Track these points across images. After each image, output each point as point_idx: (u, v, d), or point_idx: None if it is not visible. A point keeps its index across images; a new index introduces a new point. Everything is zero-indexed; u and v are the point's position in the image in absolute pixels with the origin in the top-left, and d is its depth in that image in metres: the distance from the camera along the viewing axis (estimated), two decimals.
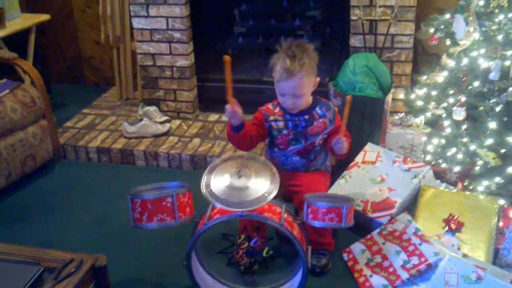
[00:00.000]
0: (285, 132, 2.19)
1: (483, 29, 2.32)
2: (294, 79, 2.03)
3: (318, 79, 2.13)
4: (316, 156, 2.24)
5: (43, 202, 2.76)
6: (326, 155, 2.31)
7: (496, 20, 2.29)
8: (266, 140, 2.30)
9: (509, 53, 2.26)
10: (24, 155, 2.85)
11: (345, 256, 2.23)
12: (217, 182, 1.87)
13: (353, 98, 2.60)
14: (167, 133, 3.24)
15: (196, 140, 3.15)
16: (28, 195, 2.83)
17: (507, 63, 2.27)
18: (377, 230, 2.23)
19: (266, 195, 1.82)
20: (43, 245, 2.05)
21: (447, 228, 2.17)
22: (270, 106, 2.23)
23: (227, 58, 1.85)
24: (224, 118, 3.42)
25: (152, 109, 3.31)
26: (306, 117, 2.17)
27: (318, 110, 2.19)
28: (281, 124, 2.19)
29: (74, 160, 3.18)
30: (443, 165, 2.51)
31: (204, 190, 1.84)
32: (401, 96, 3.01)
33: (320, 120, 2.18)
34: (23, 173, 2.87)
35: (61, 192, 2.85)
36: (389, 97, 2.76)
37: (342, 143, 2.07)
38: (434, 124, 2.74)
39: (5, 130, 2.74)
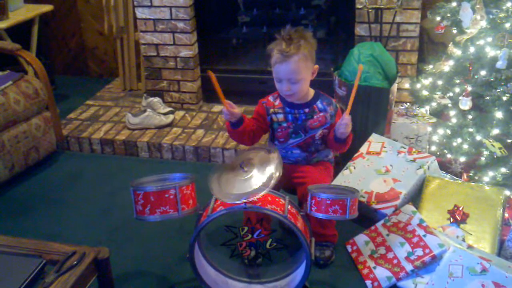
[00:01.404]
0: (284, 125, 2.16)
1: (491, 16, 2.29)
2: (290, 62, 2.00)
3: (317, 66, 2.10)
4: (317, 149, 2.21)
5: (47, 194, 2.76)
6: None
7: (504, 7, 2.26)
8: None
9: None
10: (27, 147, 2.85)
11: (348, 247, 2.22)
12: (224, 181, 1.86)
13: (357, 88, 2.60)
14: (170, 124, 3.23)
15: (200, 131, 3.14)
16: (31, 187, 2.83)
17: None
18: (381, 222, 2.21)
19: (269, 180, 1.81)
20: (46, 237, 2.06)
21: (452, 219, 2.15)
22: (270, 98, 2.20)
23: (211, 74, 1.99)
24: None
25: (156, 100, 3.29)
26: (307, 110, 2.14)
27: (319, 104, 2.15)
28: (280, 116, 2.16)
29: (77, 152, 3.18)
30: (449, 156, 2.49)
31: (212, 191, 1.84)
32: (407, 85, 2.98)
33: (321, 114, 2.14)
34: (27, 165, 2.87)
35: (65, 184, 2.85)
36: (395, 86, 2.73)
37: (346, 121, 2.00)
38: (439, 114, 2.72)
39: (8, 121, 2.74)
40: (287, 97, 2.12)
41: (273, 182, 1.81)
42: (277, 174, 1.83)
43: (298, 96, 2.11)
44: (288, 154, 2.22)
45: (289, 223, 1.81)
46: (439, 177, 2.32)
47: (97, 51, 4.15)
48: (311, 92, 2.17)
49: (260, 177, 1.84)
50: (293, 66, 2.01)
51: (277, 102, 2.17)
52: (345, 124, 2.02)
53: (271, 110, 2.17)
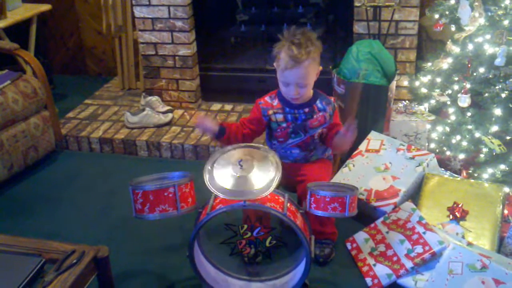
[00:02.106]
0: (284, 125, 2.15)
1: (489, 14, 2.29)
2: (300, 67, 1.99)
3: (321, 68, 2.10)
4: (316, 147, 2.21)
5: (46, 193, 2.75)
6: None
7: (502, 4, 2.26)
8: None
9: None
10: (26, 146, 2.84)
11: (348, 245, 2.22)
12: (220, 174, 1.85)
13: (357, 87, 2.61)
14: (169, 123, 3.22)
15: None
16: (30, 187, 2.82)
17: None
18: (381, 219, 2.21)
19: (269, 184, 1.80)
20: (45, 236, 2.05)
21: (451, 216, 2.15)
22: (267, 99, 2.17)
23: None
24: (227, 107, 3.42)
25: (154, 99, 3.29)
26: (306, 110, 2.13)
27: (318, 103, 2.14)
28: (280, 117, 2.15)
29: (76, 151, 3.17)
30: (448, 153, 2.49)
31: (207, 182, 1.82)
32: (405, 83, 2.98)
33: (320, 114, 2.14)
34: (26, 165, 2.87)
35: (64, 183, 2.85)
36: (393, 84, 2.73)
37: (351, 139, 2.00)
38: (438, 111, 2.72)
39: (7, 121, 2.73)
40: (293, 100, 2.11)
41: (274, 185, 1.81)
42: (278, 177, 1.82)
43: (303, 98, 2.11)
44: (287, 153, 2.21)
45: (289, 221, 1.81)
46: (438, 174, 2.32)
47: (95, 50, 4.15)
48: (311, 91, 2.16)
49: (260, 178, 1.83)
50: (304, 71, 2.00)
51: (276, 103, 2.16)
52: (349, 141, 2.02)
53: (270, 111, 2.15)
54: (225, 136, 2.10)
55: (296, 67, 1.99)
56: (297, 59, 1.98)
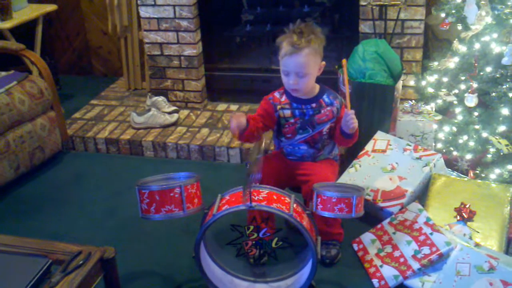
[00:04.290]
0: (292, 120, 2.15)
1: (496, 12, 2.27)
2: (300, 55, 2.00)
3: (323, 63, 2.09)
4: (324, 146, 2.20)
5: (52, 194, 2.76)
6: (334, 144, 2.27)
7: (509, 3, 2.25)
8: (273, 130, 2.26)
9: None
10: (32, 146, 2.85)
11: (355, 246, 2.21)
12: None
13: (362, 86, 2.60)
14: (175, 124, 3.22)
15: (205, 130, 3.13)
16: (37, 187, 2.83)
17: None
18: (388, 220, 2.20)
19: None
20: (51, 237, 2.06)
21: (458, 217, 2.14)
22: (276, 94, 2.18)
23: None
24: (233, 107, 3.41)
25: (160, 99, 3.29)
26: (314, 105, 2.13)
27: (325, 98, 2.15)
28: (287, 112, 2.15)
29: (82, 152, 3.18)
30: (455, 153, 2.47)
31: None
32: (412, 83, 2.97)
33: (328, 108, 2.14)
34: (32, 165, 2.88)
35: (70, 183, 2.85)
36: (400, 84, 2.71)
37: (352, 115, 1.99)
38: (445, 111, 2.70)
39: (13, 121, 2.74)
40: (292, 92, 2.11)
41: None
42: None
43: (303, 91, 2.11)
44: (295, 150, 2.21)
45: (295, 222, 1.81)
46: (445, 175, 2.31)
47: (101, 50, 4.16)
48: (317, 87, 2.16)
49: None
50: (303, 59, 2.01)
51: (284, 98, 2.16)
52: (351, 119, 2.00)
53: (278, 106, 2.16)
54: (248, 129, 2.05)
55: (296, 54, 2.00)
56: (297, 46, 1.99)
